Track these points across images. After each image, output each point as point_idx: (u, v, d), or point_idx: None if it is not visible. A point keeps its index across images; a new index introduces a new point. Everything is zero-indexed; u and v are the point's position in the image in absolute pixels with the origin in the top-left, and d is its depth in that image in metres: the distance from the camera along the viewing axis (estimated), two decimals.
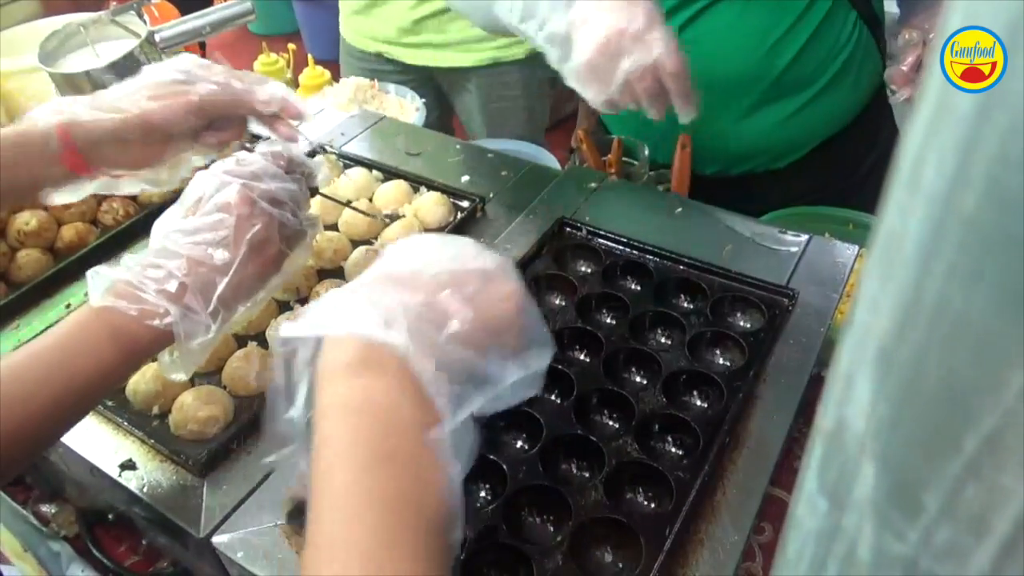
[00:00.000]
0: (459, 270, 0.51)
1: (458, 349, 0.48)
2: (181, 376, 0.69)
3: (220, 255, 0.64)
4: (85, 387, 0.60)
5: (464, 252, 0.53)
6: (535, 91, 1.68)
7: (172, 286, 0.62)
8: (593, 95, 0.85)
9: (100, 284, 0.62)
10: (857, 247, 0.89)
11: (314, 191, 0.77)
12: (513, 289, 0.52)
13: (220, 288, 0.64)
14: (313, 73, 1.61)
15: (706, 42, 1.03)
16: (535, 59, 1.60)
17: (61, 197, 0.77)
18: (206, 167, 0.71)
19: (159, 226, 0.67)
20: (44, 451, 0.61)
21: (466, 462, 0.48)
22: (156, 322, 0.61)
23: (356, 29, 1.64)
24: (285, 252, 0.70)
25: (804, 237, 0.91)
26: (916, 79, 0.89)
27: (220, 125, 0.79)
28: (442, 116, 1.75)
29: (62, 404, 0.59)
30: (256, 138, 0.84)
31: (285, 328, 0.51)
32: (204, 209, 0.66)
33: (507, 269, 0.53)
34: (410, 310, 0.48)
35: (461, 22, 1.54)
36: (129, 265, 0.64)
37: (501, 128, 1.65)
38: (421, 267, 0.51)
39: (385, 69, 1.62)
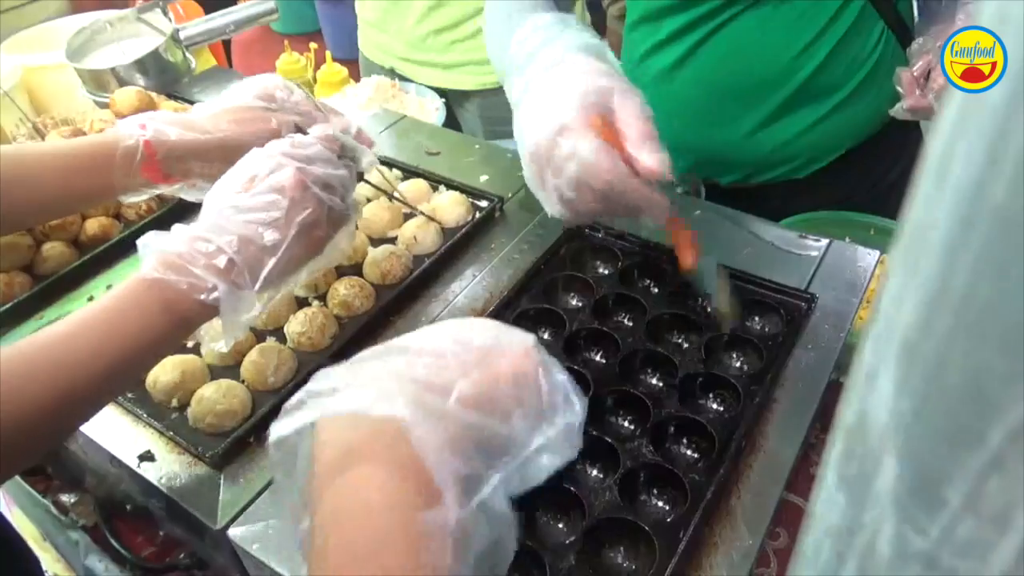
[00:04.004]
0: (466, 333, 0.47)
1: (470, 413, 0.42)
2: (221, 347, 0.71)
3: (270, 236, 0.66)
4: (137, 355, 0.62)
5: (479, 326, 0.48)
6: None
7: (221, 262, 0.64)
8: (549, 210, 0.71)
9: (151, 254, 0.64)
10: (878, 252, 0.88)
11: (360, 175, 0.79)
12: (530, 346, 0.47)
13: (268, 268, 0.66)
14: (331, 70, 1.63)
15: (732, 48, 1.03)
16: None
17: (131, 199, 0.81)
18: None
19: (212, 199, 0.68)
20: (94, 415, 0.63)
21: (490, 556, 0.41)
22: (204, 296, 0.63)
23: (373, 42, 1.65)
24: (330, 236, 0.72)
25: (824, 241, 0.90)
26: (923, 85, 0.87)
27: None
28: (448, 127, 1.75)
29: (114, 371, 0.61)
30: None
31: (275, 428, 0.44)
32: (257, 188, 0.67)
33: (523, 336, 0.48)
34: (412, 378, 0.43)
35: (464, 44, 1.54)
36: (180, 236, 0.65)
37: None
38: (425, 338, 0.47)
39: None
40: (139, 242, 0.65)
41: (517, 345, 0.47)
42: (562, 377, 0.48)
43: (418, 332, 0.49)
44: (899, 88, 0.89)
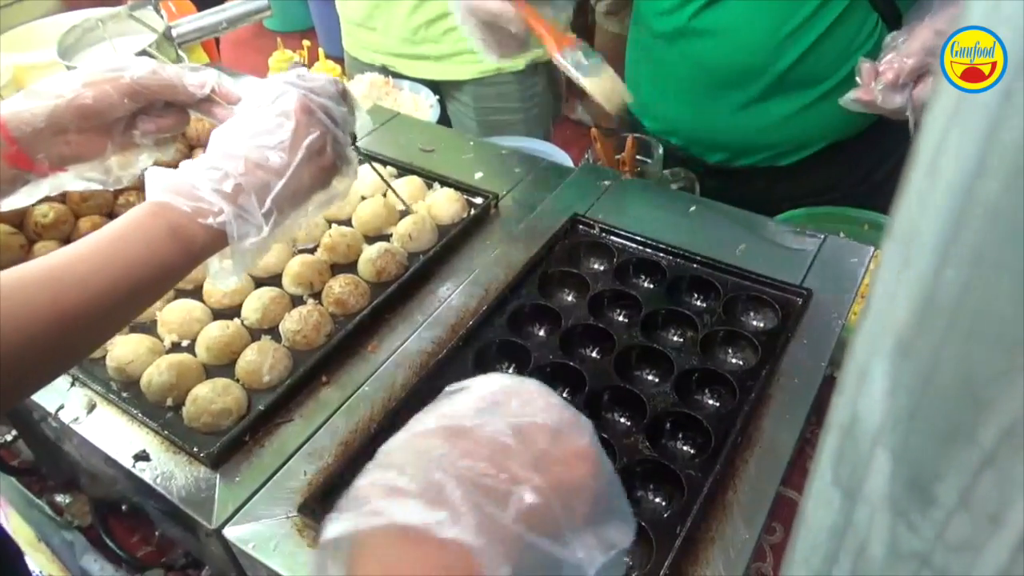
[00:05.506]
0: (525, 424, 0.43)
1: (531, 534, 0.39)
2: (232, 281, 0.70)
3: (277, 157, 0.66)
4: (142, 278, 0.61)
5: (532, 400, 0.45)
6: (533, 101, 1.66)
7: (228, 186, 0.63)
8: None
9: (158, 180, 0.64)
10: (872, 247, 0.89)
11: (352, 137, 0.79)
12: (587, 446, 0.44)
13: (275, 190, 0.66)
14: (324, 68, 1.62)
15: (717, 30, 1.04)
16: (536, 69, 1.60)
17: (12, 202, 0.76)
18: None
19: (220, 131, 0.68)
20: (99, 344, 0.62)
21: None
22: (210, 220, 0.63)
23: (360, 42, 1.64)
24: (337, 166, 0.73)
25: (819, 237, 0.90)
26: (882, 77, 0.87)
27: (159, 113, 0.78)
28: (442, 124, 1.74)
29: (118, 294, 0.59)
30: None
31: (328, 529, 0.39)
32: (265, 113, 0.68)
33: (580, 423, 0.45)
34: (467, 479, 0.39)
35: (458, 31, 1.53)
36: (188, 166, 0.65)
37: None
38: (480, 417, 0.43)
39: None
40: (147, 171, 0.65)
41: (577, 440, 0.44)
42: (614, 488, 0.44)
43: (466, 403, 0.44)
44: (857, 78, 0.89)
